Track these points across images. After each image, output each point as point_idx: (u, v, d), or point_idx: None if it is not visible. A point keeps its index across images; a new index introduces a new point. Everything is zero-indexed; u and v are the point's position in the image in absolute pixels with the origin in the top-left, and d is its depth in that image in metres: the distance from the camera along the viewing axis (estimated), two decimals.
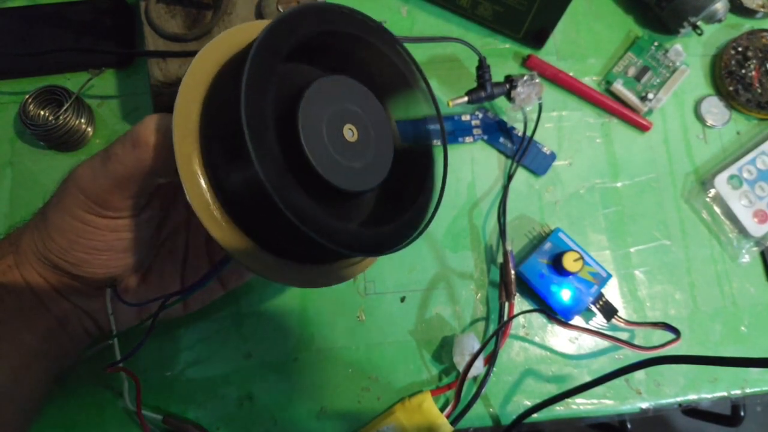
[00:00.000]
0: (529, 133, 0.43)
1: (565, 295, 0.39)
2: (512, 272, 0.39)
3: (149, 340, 0.32)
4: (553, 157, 0.44)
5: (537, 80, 0.41)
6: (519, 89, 0.41)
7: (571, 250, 0.39)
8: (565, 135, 0.45)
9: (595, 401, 0.39)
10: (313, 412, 0.38)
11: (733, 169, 0.43)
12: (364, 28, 0.28)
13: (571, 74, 0.45)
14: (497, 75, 0.42)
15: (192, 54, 0.36)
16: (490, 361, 0.38)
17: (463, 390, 0.37)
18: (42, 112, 0.41)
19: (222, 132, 0.24)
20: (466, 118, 0.44)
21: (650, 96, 0.45)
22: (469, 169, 0.43)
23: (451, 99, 0.40)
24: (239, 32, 0.27)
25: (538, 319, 0.41)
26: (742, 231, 0.43)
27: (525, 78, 0.41)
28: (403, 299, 0.40)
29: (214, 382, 0.38)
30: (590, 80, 0.46)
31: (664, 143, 0.45)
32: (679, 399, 0.40)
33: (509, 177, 0.43)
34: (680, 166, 0.45)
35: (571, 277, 0.39)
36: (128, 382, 0.35)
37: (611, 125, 0.45)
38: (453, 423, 0.37)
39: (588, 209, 0.43)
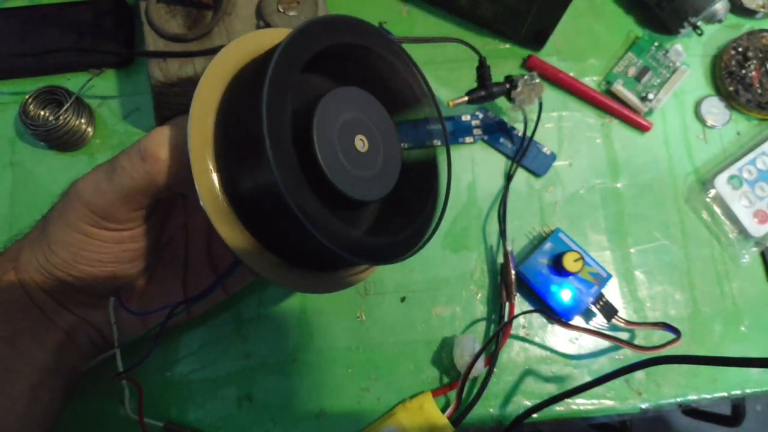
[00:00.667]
0: (529, 133, 0.43)
1: (565, 295, 0.39)
2: (512, 272, 0.39)
3: (154, 350, 0.32)
4: (553, 157, 0.44)
5: (537, 80, 0.41)
6: (519, 89, 0.41)
7: (572, 250, 0.39)
8: (566, 135, 0.45)
9: (595, 401, 0.39)
10: (313, 412, 0.38)
11: (733, 170, 0.43)
12: (381, 44, 0.28)
13: (571, 74, 0.45)
14: (497, 75, 0.42)
15: (192, 54, 0.36)
16: (491, 361, 0.38)
17: (464, 391, 0.37)
18: (42, 112, 0.41)
19: (239, 141, 0.24)
20: (466, 118, 0.44)
21: (650, 96, 0.45)
22: (470, 169, 0.43)
23: (452, 99, 0.40)
24: (249, 41, 0.27)
25: (538, 319, 0.40)
26: (743, 231, 0.43)
27: (525, 78, 0.41)
28: (403, 300, 0.40)
29: (213, 382, 0.38)
30: (590, 80, 0.46)
31: (664, 143, 0.45)
32: (679, 399, 0.40)
33: (509, 177, 0.43)
34: (680, 166, 0.45)
35: (571, 277, 0.39)
36: (129, 389, 0.35)
37: (611, 125, 0.45)
38: (454, 424, 0.37)
39: (588, 209, 0.43)
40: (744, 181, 0.43)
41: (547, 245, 0.40)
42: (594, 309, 0.40)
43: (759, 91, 0.45)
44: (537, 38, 0.45)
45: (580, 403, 0.39)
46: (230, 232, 0.25)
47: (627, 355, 0.40)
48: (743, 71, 0.45)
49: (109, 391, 0.36)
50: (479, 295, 0.41)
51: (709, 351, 0.41)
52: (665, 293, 0.42)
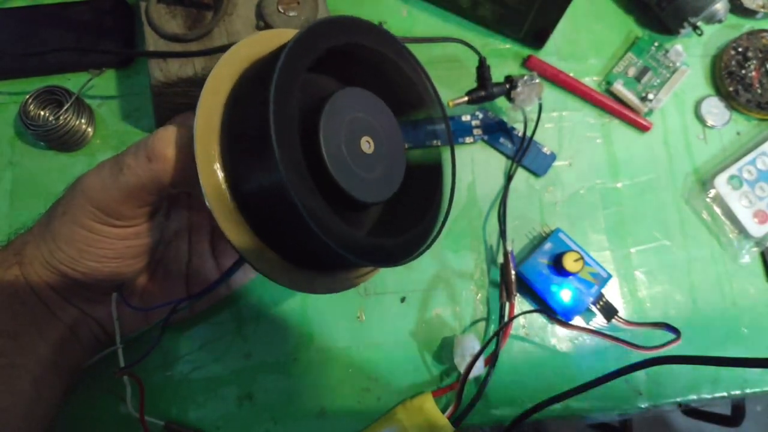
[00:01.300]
0: (529, 133, 0.43)
1: (565, 295, 0.39)
2: (512, 272, 0.39)
3: (156, 346, 0.32)
4: (553, 157, 0.44)
5: (537, 80, 0.41)
6: (519, 89, 0.41)
7: (572, 250, 0.39)
8: (566, 135, 0.45)
9: (595, 401, 0.39)
10: (313, 412, 0.38)
11: (733, 170, 0.43)
12: (387, 45, 0.28)
13: (571, 75, 0.45)
14: (497, 75, 0.42)
15: (192, 54, 0.36)
16: (491, 361, 0.38)
17: (464, 391, 0.37)
18: (42, 113, 0.41)
19: (246, 141, 0.24)
20: (466, 118, 0.44)
21: (650, 96, 0.45)
22: (470, 169, 0.43)
23: (452, 99, 0.40)
24: (256, 42, 0.27)
25: (538, 319, 0.40)
26: (743, 231, 0.43)
27: (525, 78, 0.41)
28: (403, 299, 0.40)
29: (214, 382, 0.38)
30: (590, 80, 0.46)
31: (664, 144, 0.45)
32: (679, 399, 0.40)
33: (509, 177, 0.43)
34: (680, 166, 0.45)
35: (571, 277, 0.39)
36: (131, 387, 0.35)
37: (611, 125, 0.45)
38: (454, 424, 0.37)
39: (588, 209, 0.43)
40: (744, 181, 0.43)
41: (547, 245, 0.40)
42: (594, 309, 0.40)
43: (759, 91, 0.45)
44: (537, 38, 0.45)
45: (581, 403, 0.39)
46: (235, 231, 0.25)
47: (627, 355, 0.40)
48: (743, 71, 0.45)
49: (110, 389, 0.36)
50: (479, 295, 0.41)
51: (709, 351, 0.41)
52: (665, 293, 0.42)
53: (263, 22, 0.37)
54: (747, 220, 0.42)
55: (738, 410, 0.48)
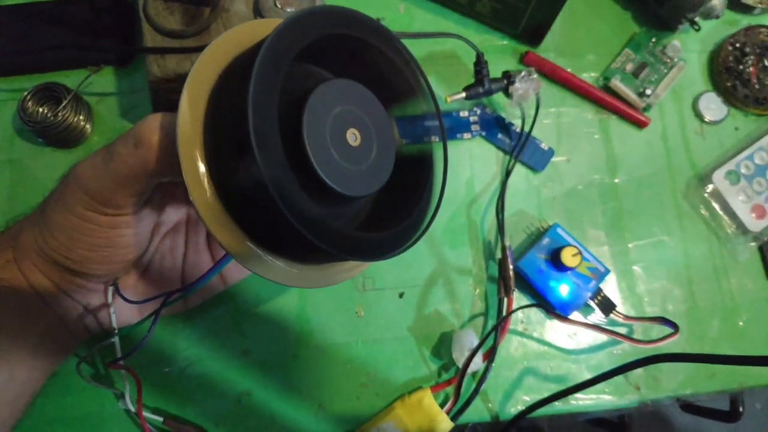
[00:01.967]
0: (527, 129, 0.43)
1: (563, 290, 0.39)
2: (510, 268, 0.39)
3: (149, 337, 0.32)
4: (551, 153, 0.44)
5: (535, 76, 0.41)
6: (517, 85, 0.41)
7: (570, 245, 0.39)
8: (564, 131, 0.45)
9: (593, 396, 0.39)
10: (312, 408, 0.38)
11: (731, 165, 0.43)
12: (376, 35, 0.28)
13: (569, 70, 0.45)
14: (495, 71, 0.42)
15: (190, 50, 0.36)
16: (489, 356, 0.38)
17: (462, 386, 0.37)
18: (41, 109, 0.41)
19: (227, 132, 0.24)
20: (464, 114, 0.44)
21: (648, 92, 0.45)
22: (467, 165, 0.43)
23: (449, 95, 0.40)
24: (244, 31, 0.27)
25: (536, 314, 0.41)
26: (740, 226, 0.43)
27: (523, 74, 0.41)
28: (401, 295, 0.40)
29: (212, 379, 0.38)
30: (588, 76, 0.46)
31: (662, 139, 0.45)
32: (677, 394, 0.40)
33: (507, 173, 0.43)
34: (678, 161, 0.45)
35: (569, 272, 0.39)
36: (129, 383, 0.35)
37: (609, 121, 0.45)
38: (453, 419, 0.37)
39: (586, 205, 0.43)
40: (742, 176, 0.43)
41: (546, 240, 0.40)
42: (592, 304, 0.40)
43: (756, 86, 0.45)
44: (535, 34, 0.45)
45: (579, 399, 0.39)
46: (215, 220, 0.24)
47: (625, 350, 0.40)
48: (741, 67, 0.46)
49: (108, 383, 0.36)
50: (477, 290, 0.41)
51: (706, 346, 0.41)
52: (663, 288, 0.42)
53: (261, 18, 0.37)
54: (745, 215, 0.43)
55: (736, 406, 0.48)
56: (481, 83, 0.41)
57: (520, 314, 0.40)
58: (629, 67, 0.46)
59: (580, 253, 0.39)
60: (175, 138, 0.24)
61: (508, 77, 0.41)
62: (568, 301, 0.39)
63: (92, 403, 0.37)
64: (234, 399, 0.38)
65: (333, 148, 0.25)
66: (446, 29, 0.45)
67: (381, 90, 0.28)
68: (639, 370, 0.40)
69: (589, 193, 0.43)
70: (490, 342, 0.38)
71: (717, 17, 0.45)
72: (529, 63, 0.45)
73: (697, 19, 0.45)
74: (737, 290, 0.42)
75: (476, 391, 0.38)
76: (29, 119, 0.39)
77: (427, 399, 0.37)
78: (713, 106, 0.46)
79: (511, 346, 0.40)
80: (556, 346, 0.40)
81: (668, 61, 0.46)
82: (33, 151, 0.41)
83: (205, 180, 0.24)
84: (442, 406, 0.37)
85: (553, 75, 0.45)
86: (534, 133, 0.43)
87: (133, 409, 0.35)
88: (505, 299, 0.39)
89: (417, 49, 0.44)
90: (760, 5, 0.48)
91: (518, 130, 0.44)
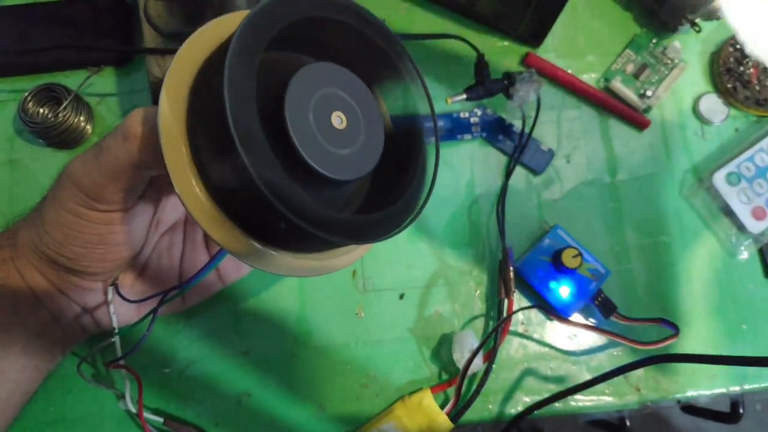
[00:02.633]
0: (527, 130, 0.43)
1: (564, 291, 0.39)
2: (511, 269, 0.39)
3: (148, 337, 0.32)
4: (551, 154, 0.44)
5: (535, 77, 0.41)
6: (517, 86, 0.41)
7: (570, 246, 0.39)
8: (564, 132, 0.45)
9: (594, 398, 0.39)
10: (312, 409, 0.38)
11: (731, 166, 0.43)
12: (351, 15, 0.27)
13: (569, 72, 0.45)
14: (496, 72, 0.42)
15: None
16: (490, 357, 0.38)
17: (463, 387, 0.37)
18: (41, 110, 0.41)
19: (208, 123, 0.24)
20: (464, 115, 0.44)
21: (649, 93, 0.45)
22: (468, 166, 0.43)
23: (450, 96, 0.40)
24: (226, 22, 0.27)
25: (537, 315, 0.41)
26: (741, 227, 0.43)
27: (523, 75, 0.41)
28: (401, 296, 0.40)
29: (212, 379, 0.38)
30: (589, 77, 0.46)
31: (662, 140, 0.45)
32: (677, 395, 0.40)
33: (508, 174, 0.43)
34: (678, 163, 0.45)
35: (570, 273, 0.39)
36: (130, 383, 0.35)
37: (610, 122, 0.45)
38: (453, 420, 0.37)
39: (587, 206, 0.43)
40: (742, 177, 0.43)
41: (546, 242, 0.40)
42: (593, 305, 0.40)
43: (757, 88, 0.45)
44: (535, 35, 0.45)
45: (579, 400, 0.39)
46: (206, 216, 0.24)
47: (626, 351, 0.40)
48: (741, 68, 0.46)
49: (109, 383, 0.36)
50: (478, 291, 0.41)
51: (707, 347, 0.41)
52: (664, 289, 0.42)
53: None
54: (745, 217, 0.42)
55: (737, 407, 0.48)
56: (481, 84, 0.41)
57: (520, 315, 0.40)
58: (630, 68, 0.46)
59: (580, 254, 0.39)
60: (157, 129, 0.23)
61: (509, 78, 0.41)
62: (569, 303, 0.39)
63: (93, 404, 0.37)
64: (234, 399, 0.38)
65: (319, 133, 0.24)
66: (447, 30, 0.45)
67: (363, 70, 0.28)
68: (639, 371, 0.40)
69: (590, 194, 0.43)
70: (490, 343, 0.38)
71: (718, 18, 0.45)
72: (529, 64, 0.45)
73: (697, 20, 0.45)
74: (737, 291, 0.42)
75: (477, 392, 0.38)
76: (30, 120, 0.39)
77: (428, 400, 0.37)
78: (714, 108, 0.46)
79: (511, 347, 0.40)
80: (557, 348, 0.40)
81: (669, 62, 0.45)
82: (33, 152, 0.41)
83: (191, 171, 0.24)
84: (442, 407, 0.37)
85: (553, 76, 0.45)
86: (534, 134, 0.43)
87: (133, 410, 0.35)
88: (506, 300, 0.39)
89: (418, 50, 0.45)
90: None
91: (519, 131, 0.44)
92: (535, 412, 0.38)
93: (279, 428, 0.37)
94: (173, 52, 0.36)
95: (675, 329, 0.38)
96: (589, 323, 0.40)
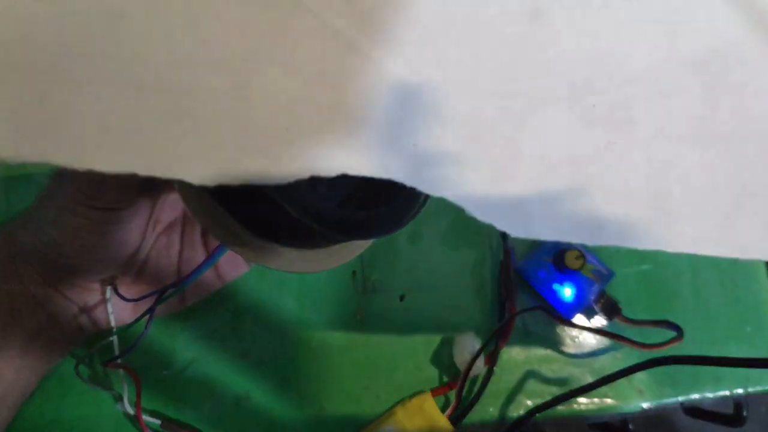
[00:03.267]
0: None
1: (566, 293, 0.39)
2: (513, 270, 0.39)
3: (145, 339, 0.32)
4: None
5: None
6: None
7: (573, 247, 0.39)
8: None
9: (596, 400, 0.39)
10: (312, 411, 0.37)
11: None
12: None
13: None
14: None
15: None
16: (491, 360, 0.38)
17: (464, 390, 0.37)
18: None
19: None
20: None
21: None
22: None
23: None
24: None
25: (539, 317, 0.40)
26: None
27: None
28: (402, 298, 0.40)
29: (210, 381, 0.37)
30: None
31: None
32: (681, 398, 0.39)
33: None
34: None
35: (572, 275, 0.39)
36: (128, 384, 0.35)
37: None
38: (454, 423, 0.37)
39: None
40: None
41: (548, 243, 0.40)
42: (595, 307, 0.39)
43: None
44: None
45: (582, 402, 0.39)
46: (205, 212, 0.24)
47: (629, 353, 0.40)
48: None
49: (106, 385, 0.36)
50: (479, 293, 0.40)
51: (712, 349, 0.40)
52: (667, 291, 0.41)
53: None
54: None
55: (740, 410, 0.48)
56: None
57: (522, 317, 0.40)
58: None
59: (583, 255, 0.38)
60: None
61: None
62: (571, 304, 0.39)
63: (90, 406, 0.36)
64: (233, 402, 0.37)
65: None
66: None
67: None
68: (642, 374, 0.39)
69: None
70: (491, 345, 0.38)
71: None
72: None
73: None
74: (743, 293, 0.42)
75: (478, 395, 0.37)
76: None
77: (428, 403, 0.37)
78: None
79: (513, 349, 0.39)
80: (559, 350, 0.40)
81: None
82: None
83: None
84: (443, 410, 0.37)
85: None
86: None
87: (131, 412, 0.35)
88: (508, 302, 0.39)
89: None
90: None
91: None
92: (537, 415, 0.37)
93: (278, 431, 0.37)
94: None
95: (679, 331, 0.38)
96: (592, 325, 0.40)
